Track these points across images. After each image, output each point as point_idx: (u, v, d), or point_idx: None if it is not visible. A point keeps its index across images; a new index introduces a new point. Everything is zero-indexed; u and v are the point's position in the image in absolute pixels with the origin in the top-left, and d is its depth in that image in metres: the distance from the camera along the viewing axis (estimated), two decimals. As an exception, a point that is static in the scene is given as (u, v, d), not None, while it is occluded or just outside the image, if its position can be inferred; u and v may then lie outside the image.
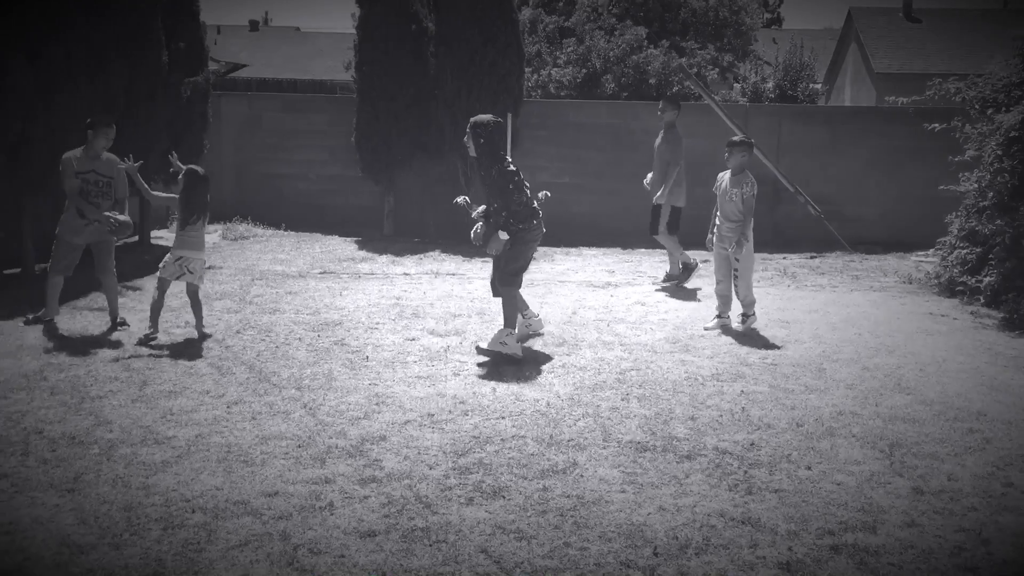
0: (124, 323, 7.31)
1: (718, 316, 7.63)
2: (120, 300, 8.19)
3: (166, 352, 6.56)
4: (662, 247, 10.22)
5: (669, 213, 9.70)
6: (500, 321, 6.84)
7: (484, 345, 6.59)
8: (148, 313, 7.10)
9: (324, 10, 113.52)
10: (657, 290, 9.44)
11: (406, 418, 5.22)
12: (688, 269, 9.66)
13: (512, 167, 6.59)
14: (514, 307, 6.75)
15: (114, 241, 7.36)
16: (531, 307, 7.36)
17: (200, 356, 6.45)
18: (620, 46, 20.02)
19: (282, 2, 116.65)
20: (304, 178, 14.11)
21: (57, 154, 8.78)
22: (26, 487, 4.19)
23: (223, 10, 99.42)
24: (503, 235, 6.46)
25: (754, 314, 7.58)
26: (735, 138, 7.76)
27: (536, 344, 6.97)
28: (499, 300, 6.93)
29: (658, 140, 9.89)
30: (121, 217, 7.02)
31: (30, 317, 7.25)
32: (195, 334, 7.02)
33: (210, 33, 12.35)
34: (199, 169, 7.20)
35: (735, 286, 7.59)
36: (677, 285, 9.56)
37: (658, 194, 9.70)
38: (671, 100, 9.98)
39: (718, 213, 7.67)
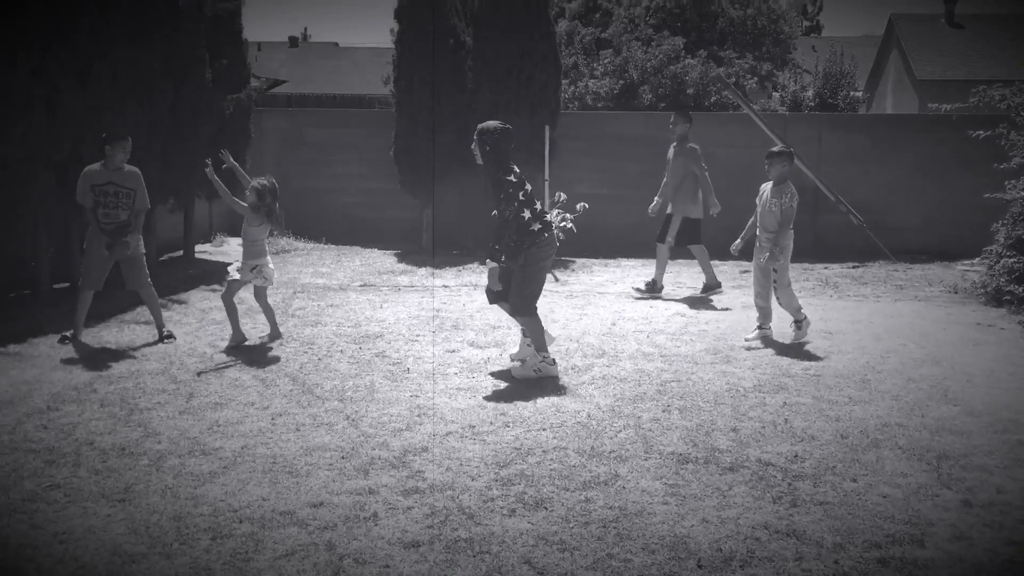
0: (171, 335, 7.42)
1: (759, 327, 7.57)
2: (165, 313, 8.35)
3: (237, 360, 6.66)
4: (697, 258, 10.18)
5: (680, 223, 9.63)
6: (554, 368, 6.42)
7: (519, 372, 6.37)
8: (198, 326, 7.22)
9: (362, 26, 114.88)
10: (696, 299, 9.41)
11: (447, 429, 5.25)
12: (710, 288, 9.60)
13: (512, 178, 6.22)
14: (539, 328, 6.42)
15: (142, 254, 7.46)
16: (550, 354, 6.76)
17: (244, 368, 6.54)
18: (657, 56, 20.00)
19: (320, 18, 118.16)
20: (344, 192, 14.26)
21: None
22: (79, 497, 4.28)
23: (263, 27, 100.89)
24: (490, 263, 6.24)
25: (805, 318, 7.47)
26: (775, 148, 7.64)
27: (576, 356, 6.97)
28: (498, 306, 6.76)
29: (670, 153, 9.85)
30: (123, 241, 7.21)
31: (67, 335, 7.32)
32: (242, 346, 7.13)
33: (251, 50, 12.55)
34: (267, 180, 7.34)
35: (776, 297, 7.52)
36: (707, 295, 9.52)
37: (655, 203, 9.84)
38: (682, 113, 9.93)
39: (756, 224, 7.59)
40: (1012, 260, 8.91)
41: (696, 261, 10.04)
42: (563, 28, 23.02)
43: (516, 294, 6.33)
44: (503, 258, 6.25)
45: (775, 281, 7.47)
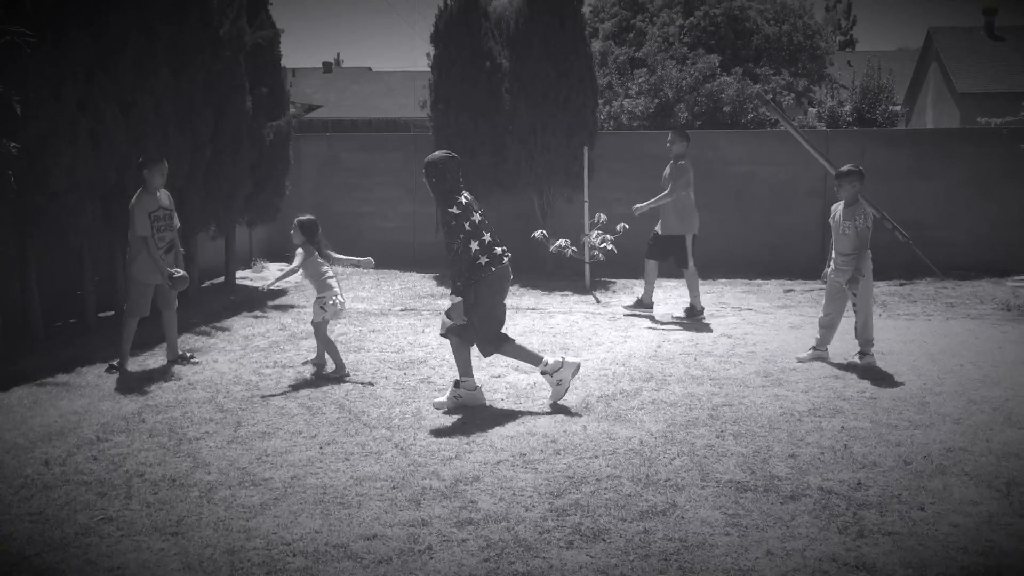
0: (183, 358, 7.52)
1: (814, 348, 7.42)
2: (209, 340, 8.37)
3: (280, 391, 6.64)
4: (745, 278, 10.03)
5: (691, 241, 9.44)
6: (570, 360, 6.28)
7: (550, 399, 6.22)
8: (242, 354, 7.22)
9: (394, 50, 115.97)
10: (667, 323, 9.26)
11: (498, 458, 5.17)
12: (693, 312, 9.44)
13: (455, 209, 6.03)
14: (524, 351, 6.29)
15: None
16: (546, 357, 6.41)
17: (290, 396, 6.51)
18: (693, 75, 19.90)
19: (353, 44, 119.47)
20: (382, 216, 14.29)
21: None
22: (131, 531, 4.24)
23: (297, 54, 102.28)
24: (455, 299, 6.04)
25: (872, 354, 7.18)
26: (844, 168, 7.23)
27: (623, 381, 6.86)
28: (507, 356, 6.47)
29: (666, 171, 9.67)
30: (178, 274, 7.28)
31: (114, 364, 7.37)
32: (287, 373, 7.12)
33: (287, 76, 12.67)
34: (304, 217, 7.39)
35: (855, 323, 7.24)
36: (691, 320, 9.33)
37: (638, 206, 9.62)
38: (680, 132, 9.69)
39: (833, 246, 7.33)
40: (1069, 276, 8.67)
41: (745, 280, 9.89)
42: (597, 48, 22.99)
43: (478, 337, 6.16)
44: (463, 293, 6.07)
45: (855, 306, 7.18)
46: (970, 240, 12.82)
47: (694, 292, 9.47)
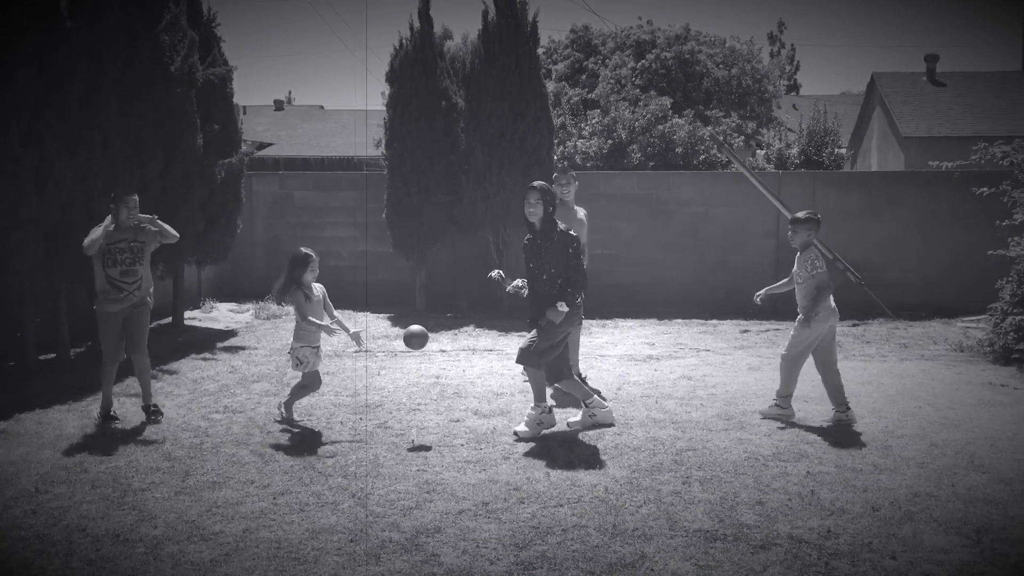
0: (157, 410, 7.00)
1: (836, 411, 6.75)
2: (156, 384, 8.08)
3: (208, 439, 6.38)
4: (701, 318, 9.97)
5: None
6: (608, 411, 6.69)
7: (521, 428, 6.40)
8: (191, 398, 6.95)
9: (347, 88, 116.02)
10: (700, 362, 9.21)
11: (460, 507, 5.00)
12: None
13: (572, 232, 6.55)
14: (540, 381, 6.50)
15: (148, 315, 7.13)
16: (599, 392, 7.04)
17: (241, 443, 6.27)
18: (645, 116, 20.10)
19: (305, 82, 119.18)
20: (335, 255, 14.09)
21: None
22: (71, 592, 3.99)
23: (249, 91, 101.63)
24: (563, 306, 6.22)
25: (779, 402, 6.86)
26: (800, 215, 6.84)
27: (585, 424, 6.73)
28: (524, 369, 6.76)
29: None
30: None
31: (114, 414, 6.88)
32: (238, 419, 6.88)
33: (239, 114, 12.47)
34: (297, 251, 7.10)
35: (780, 361, 6.93)
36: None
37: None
38: (565, 172, 8.51)
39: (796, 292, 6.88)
40: (1020, 317, 8.80)
41: (700, 320, 9.81)
42: (551, 89, 23.17)
43: (536, 344, 6.35)
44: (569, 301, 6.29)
45: (785, 350, 6.87)
46: (920, 281, 13.01)
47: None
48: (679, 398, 7.58)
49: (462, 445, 6.23)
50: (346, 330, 6.84)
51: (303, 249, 6.99)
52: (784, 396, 6.88)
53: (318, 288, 7.02)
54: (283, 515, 4.90)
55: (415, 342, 6.64)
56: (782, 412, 6.85)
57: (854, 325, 11.60)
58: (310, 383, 6.95)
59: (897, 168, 25.59)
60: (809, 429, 6.55)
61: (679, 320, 12.19)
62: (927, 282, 12.99)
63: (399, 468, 5.72)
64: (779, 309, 13.06)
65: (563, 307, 6.19)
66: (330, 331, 6.77)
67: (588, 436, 6.41)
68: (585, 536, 4.59)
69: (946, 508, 4.92)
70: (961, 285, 12.63)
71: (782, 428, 6.60)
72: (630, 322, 12.10)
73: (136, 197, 7.08)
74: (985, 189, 9.57)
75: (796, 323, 6.76)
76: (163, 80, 9.71)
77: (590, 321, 11.96)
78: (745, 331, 11.39)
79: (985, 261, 9.94)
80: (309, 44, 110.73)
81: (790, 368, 6.84)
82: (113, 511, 4.96)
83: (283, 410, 6.90)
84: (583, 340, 10.56)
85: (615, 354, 9.80)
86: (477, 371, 8.72)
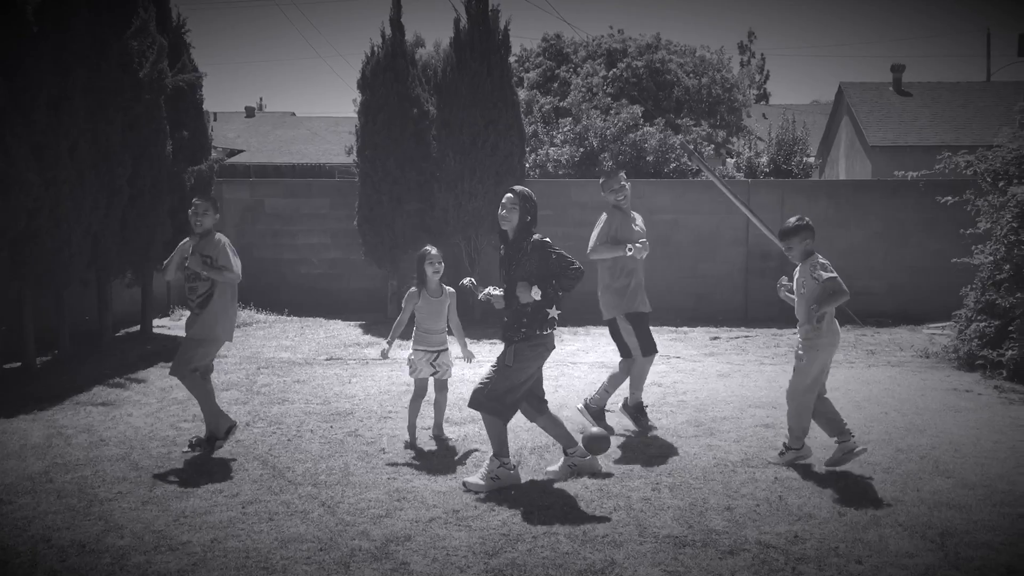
0: (199, 442, 6.22)
1: (840, 441, 5.78)
2: (124, 393, 8.01)
3: (175, 448, 6.33)
4: (672, 325, 10.04)
5: None
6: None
7: (473, 480, 5.45)
8: (159, 407, 6.88)
9: (318, 95, 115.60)
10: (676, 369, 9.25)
11: (430, 515, 4.99)
12: None
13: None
14: (500, 431, 5.52)
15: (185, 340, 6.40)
16: (579, 440, 5.77)
17: (210, 452, 6.22)
18: (616, 124, 20.20)
19: (276, 88, 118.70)
20: (306, 262, 14.04)
21: (61, 248, 8.71)
22: (35, 603, 3.94)
23: (219, 97, 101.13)
24: (536, 292, 5.43)
25: (799, 449, 5.83)
26: (790, 222, 5.82)
27: (556, 431, 6.75)
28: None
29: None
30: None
31: (222, 439, 6.24)
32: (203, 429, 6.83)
33: (209, 120, 12.41)
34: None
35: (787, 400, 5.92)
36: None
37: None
38: (614, 175, 7.37)
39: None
40: (983, 324, 8.94)
41: (671, 327, 9.87)
42: (523, 97, 23.24)
43: (492, 387, 5.48)
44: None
45: (790, 383, 5.84)
46: (886, 288, 13.18)
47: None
48: (649, 405, 7.61)
49: (433, 453, 6.22)
50: (461, 344, 6.69)
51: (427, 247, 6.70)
52: (797, 437, 5.83)
53: (447, 290, 6.77)
54: (252, 524, 4.86)
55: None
56: (798, 454, 5.85)
57: (822, 332, 11.71)
58: (417, 391, 6.64)
59: (864, 177, 25.93)
60: (778, 435, 6.60)
61: (651, 327, 12.22)
62: (894, 289, 13.17)
63: (369, 476, 5.70)
64: (749, 316, 13.19)
65: (536, 293, 5.42)
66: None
67: (557, 443, 6.40)
68: (555, 543, 4.60)
69: (911, 513, 4.98)
70: (927, 292, 12.81)
71: (751, 435, 6.65)
72: (601, 329, 12.09)
73: (196, 200, 6.34)
74: (949, 198, 9.71)
75: (796, 356, 5.80)
76: (132, 86, 9.64)
77: (562, 328, 12.00)
78: (715, 338, 11.47)
79: (950, 269, 10.09)
80: (281, 51, 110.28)
81: (800, 408, 5.76)
82: (79, 521, 4.90)
83: (414, 432, 6.51)
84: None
85: (587, 361, 9.83)
86: (452, 369, 8.70)
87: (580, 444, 5.71)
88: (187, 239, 6.38)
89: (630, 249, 6.76)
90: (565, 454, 5.73)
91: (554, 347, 5.67)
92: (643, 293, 7.14)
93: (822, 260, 5.69)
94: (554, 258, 5.52)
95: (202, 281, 6.19)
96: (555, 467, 5.73)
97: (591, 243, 7.03)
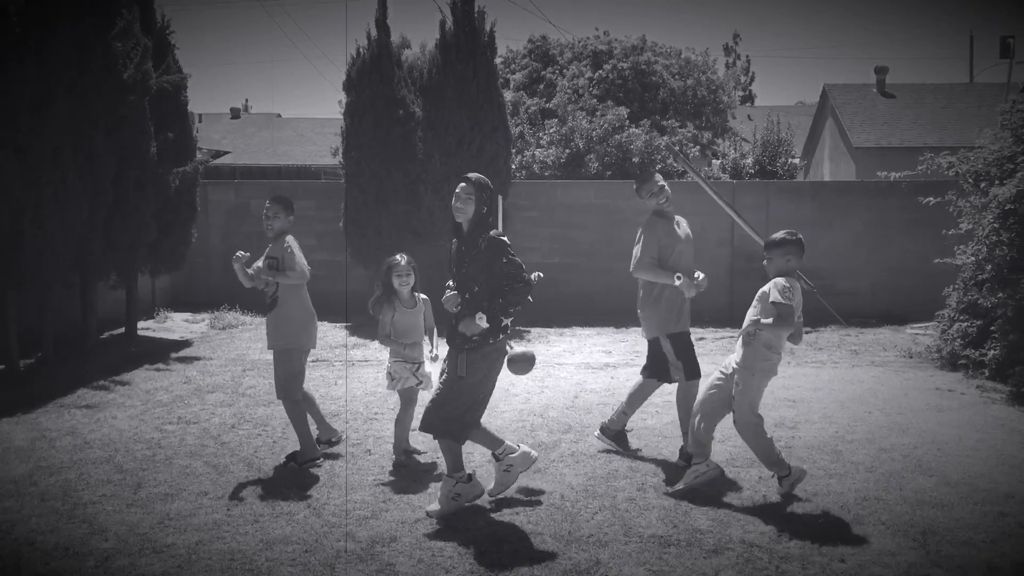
0: (291, 458, 5.96)
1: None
2: (108, 395, 7.98)
3: (160, 451, 6.31)
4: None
5: None
6: (496, 422, 5.80)
7: (433, 508, 5.03)
8: (144, 409, 6.85)
9: (304, 96, 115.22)
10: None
11: (416, 516, 5.00)
12: None
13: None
14: (456, 451, 5.13)
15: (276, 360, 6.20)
16: (508, 440, 5.39)
17: (195, 454, 6.20)
18: (602, 126, 20.25)
19: (262, 90, 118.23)
20: (292, 264, 13.99)
21: (44, 249, 8.66)
22: (18, 607, 3.92)
23: (204, 99, 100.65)
24: (482, 319, 4.98)
25: (789, 472, 5.27)
26: (776, 236, 5.43)
27: (541, 432, 6.77)
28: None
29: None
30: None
31: (320, 458, 6.04)
32: (191, 430, 6.80)
33: (194, 122, 12.37)
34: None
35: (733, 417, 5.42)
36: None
37: None
38: (649, 177, 6.82)
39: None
40: (965, 324, 9.01)
41: None
42: (509, 98, 23.26)
43: (441, 405, 5.06)
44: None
45: (734, 417, 5.36)
46: (870, 288, 13.26)
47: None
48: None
49: (419, 454, 6.22)
50: (432, 343, 6.28)
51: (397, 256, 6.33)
52: (776, 463, 5.28)
53: (419, 298, 6.42)
54: (237, 526, 4.86)
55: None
56: (792, 478, 5.27)
57: (807, 332, 11.77)
58: (406, 400, 6.19)
59: (848, 178, 26.06)
60: (762, 435, 6.63)
61: (636, 328, 12.25)
62: (877, 290, 13.25)
63: (355, 478, 5.70)
64: (734, 317, 13.24)
65: (482, 321, 4.94)
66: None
67: (544, 445, 6.44)
68: (541, 543, 4.61)
69: (894, 511, 5.02)
70: (910, 293, 12.90)
71: (735, 434, 6.67)
72: (588, 330, 12.17)
73: (268, 203, 6.10)
74: (932, 199, 9.78)
75: (745, 332, 5.42)
76: (116, 88, 9.60)
77: (548, 329, 12.03)
78: (700, 339, 11.50)
79: (933, 269, 10.16)
80: (266, 52, 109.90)
81: (755, 437, 5.30)
82: (63, 524, 4.88)
83: (403, 446, 6.06)
84: (540, 349, 10.61)
85: (573, 362, 9.85)
86: (433, 380, 8.69)
87: (504, 443, 5.29)
88: (239, 253, 6.11)
89: (679, 278, 6.06)
90: (495, 458, 5.30)
91: (507, 352, 5.20)
92: (687, 311, 6.47)
93: (787, 284, 5.18)
94: (505, 262, 5.04)
95: (269, 285, 6.03)
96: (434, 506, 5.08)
97: (634, 258, 6.32)
